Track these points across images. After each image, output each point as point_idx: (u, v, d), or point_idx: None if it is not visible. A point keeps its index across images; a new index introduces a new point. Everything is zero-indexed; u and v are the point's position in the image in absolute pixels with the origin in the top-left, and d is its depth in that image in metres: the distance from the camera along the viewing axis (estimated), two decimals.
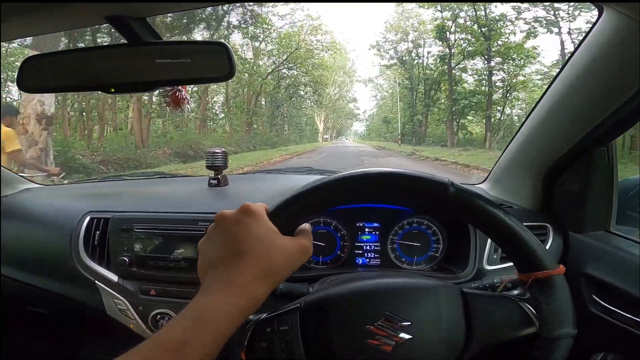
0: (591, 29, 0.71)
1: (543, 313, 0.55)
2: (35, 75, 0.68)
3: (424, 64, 24.47)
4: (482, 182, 1.26)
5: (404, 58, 25.96)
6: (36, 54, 0.68)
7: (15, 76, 0.66)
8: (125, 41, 0.63)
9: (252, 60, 22.17)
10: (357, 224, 1.08)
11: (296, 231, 0.55)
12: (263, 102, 23.69)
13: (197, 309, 0.42)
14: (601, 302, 0.84)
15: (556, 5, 15.30)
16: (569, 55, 0.78)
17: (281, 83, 24.55)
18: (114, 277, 1.02)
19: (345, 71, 39.64)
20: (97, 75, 0.68)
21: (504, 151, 1.10)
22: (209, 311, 0.42)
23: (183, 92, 0.85)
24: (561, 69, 0.81)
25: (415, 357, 0.53)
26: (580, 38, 0.75)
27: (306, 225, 0.57)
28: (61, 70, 0.69)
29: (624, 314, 0.78)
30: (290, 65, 24.49)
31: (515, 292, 0.60)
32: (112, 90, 0.68)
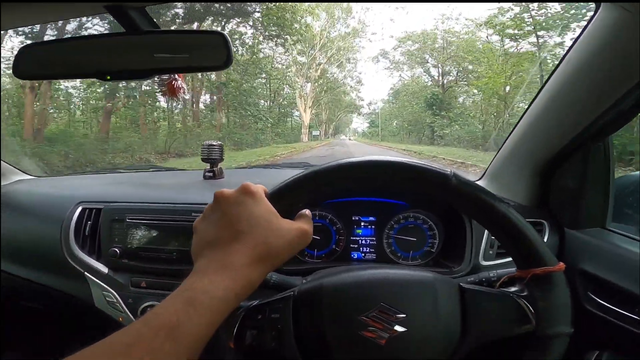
0: (588, 23, 0.71)
1: (540, 310, 0.54)
2: (31, 63, 0.68)
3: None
4: (479, 179, 1.26)
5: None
6: (33, 42, 0.68)
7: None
8: (124, 30, 0.64)
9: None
10: (353, 218, 1.07)
11: (296, 215, 0.54)
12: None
13: (191, 290, 0.40)
14: (597, 299, 0.83)
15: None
16: (566, 50, 0.78)
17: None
18: (104, 269, 1.01)
19: (348, 32, 30.28)
20: (93, 62, 0.68)
21: (501, 147, 1.10)
22: (203, 293, 0.40)
23: (179, 81, 0.85)
24: (558, 64, 0.81)
25: (410, 350, 0.52)
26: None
27: (306, 211, 0.55)
28: (58, 58, 0.69)
29: (619, 311, 0.78)
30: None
31: (513, 288, 0.59)
32: (108, 77, 0.67)
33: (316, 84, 30.89)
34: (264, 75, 20.82)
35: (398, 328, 0.52)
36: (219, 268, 0.43)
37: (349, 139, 49.75)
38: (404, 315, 0.53)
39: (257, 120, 18.82)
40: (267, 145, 17.69)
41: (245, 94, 17.61)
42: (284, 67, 25.24)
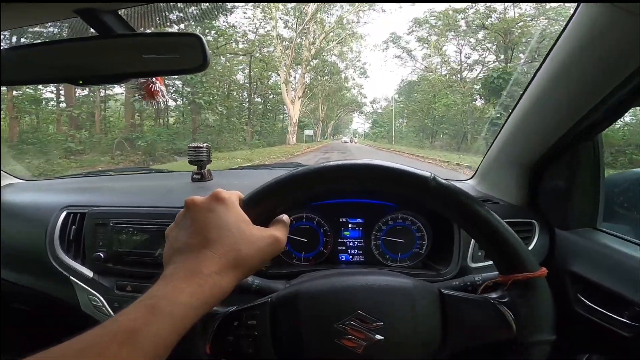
0: (570, 19, 0.69)
1: (521, 317, 0.53)
2: (1, 69, 0.66)
3: None
4: (470, 178, 1.24)
5: None
6: (7, 47, 0.67)
7: None
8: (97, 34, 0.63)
9: None
10: (341, 220, 1.05)
11: (272, 222, 0.54)
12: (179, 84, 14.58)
13: (153, 297, 0.40)
14: (587, 301, 0.82)
15: None
16: (549, 47, 0.76)
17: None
18: (89, 273, 1.00)
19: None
20: (66, 67, 0.67)
21: (490, 146, 1.09)
22: (165, 299, 0.40)
23: (157, 84, 0.84)
24: (542, 62, 0.79)
25: (388, 358, 0.51)
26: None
27: (283, 217, 0.55)
28: (29, 63, 0.67)
29: (609, 314, 0.77)
30: None
31: (495, 294, 0.57)
32: (80, 82, 0.66)
33: (308, 67, 24.39)
34: (241, 57, 17.30)
35: (375, 336, 0.51)
36: (187, 275, 0.42)
37: (352, 142, 41.30)
38: (382, 323, 0.51)
39: (229, 116, 15.65)
40: (233, 150, 14.51)
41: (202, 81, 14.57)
42: (259, 37, 19.76)
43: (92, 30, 0.61)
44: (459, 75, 23.69)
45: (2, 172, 1.33)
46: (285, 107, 23.43)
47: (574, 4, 0.67)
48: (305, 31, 23.05)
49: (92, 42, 0.64)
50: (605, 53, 0.67)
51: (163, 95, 0.85)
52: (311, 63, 24.45)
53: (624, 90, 0.70)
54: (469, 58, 23.48)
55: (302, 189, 0.55)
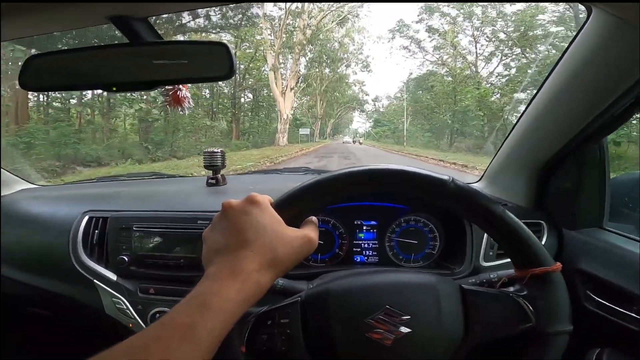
0: (581, 28, 0.72)
1: (539, 309, 0.56)
2: (37, 74, 0.68)
3: None
4: (477, 181, 1.27)
5: None
6: (39, 52, 0.68)
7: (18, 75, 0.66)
8: (127, 40, 0.65)
9: None
10: (355, 222, 1.09)
11: (303, 223, 0.56)
12: None
13: (203, 294, 0.42)
14: (596, 297, 0.85)
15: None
16: (561, 54, 0.80)
17: None
18: (113, 276, 1.02)
19: None
20: (98, 74, 0.69)
21: (498, 149, 1.12)
22: (215, 295, 0.42)
23: (184, 91, 0.86)
24: (553, 68, 0.83)
25: (415, 350, 0.54)
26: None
27: (313, 218, 0.58)
28: (63, 69, 0.69)
29: (618, 309, 0.80)
30: None
31: (513, 288, 0.61)
32: (114, 89, 0.69)
33: (302, 52, 20.38)
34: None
35: (403, 329, 0.54)
36: (229, 273, 0.44)
37: (354, 142, 36.46)
38: (409, 317, 0.55)
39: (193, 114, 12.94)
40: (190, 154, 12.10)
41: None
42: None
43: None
44: (485, 65, 20.67)
45: (17, 177, 1.35)
46: (275, 100, 19.72)
47: (584, 14, 0.71)
48: (299, 10, 19.34)
49: (124, 49, 0.66)
50: (612, 62, 0.71)
51: (189, 102, 0.88)
52: (306, 49, 20.59)
53: (630, 96, 0.74)
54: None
55: (329, 193, 0.58)
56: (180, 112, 0.93)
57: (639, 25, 0.61)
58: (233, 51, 0.67)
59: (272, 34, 19.50)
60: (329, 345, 0.55)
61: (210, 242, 0.50)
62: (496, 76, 20.19)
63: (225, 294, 0.42)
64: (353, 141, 37.23)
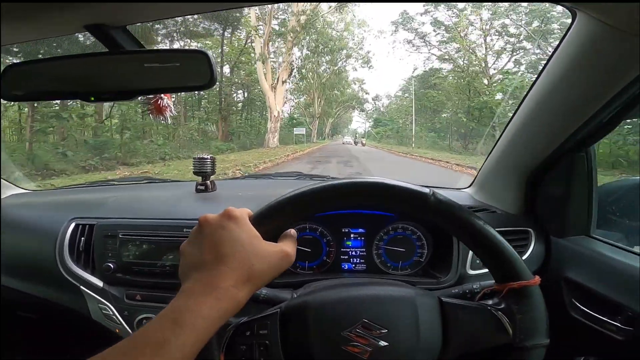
0: (566, 33, 0.72)
1: (517, 323, 0.55)
2: (14, 84, 0.67)
3: None
4: (467, 187, 1.27)
5: None
6: (16, 62, 0.68)
7: None
8: (106, 49, 0.64)
9: None
10: (343, 230, 1.08)
11: (281, 236, 0.56)
12: None
13: (177, 311, 0.42)
14: (581, 306, 0.85)
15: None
16: (547, 60, 0.79)
17: None
18: (99, 283, 1.02)
19: None
20: (77, 83, 0.68)
21: (488, 156, 1.11)
22: (188, 312, 0.42)
23: (165, 100, 0.85)
24: (539, 74, 0.82)
25: None
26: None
27: (291, 231, 0.57)
28: (41, 79, 0.68)
29: (603, 318, 0.80)
30: None
31: (491, 301, 0.60)
32: (92, 98, 0.68)
33: (296, 40, 18.23)
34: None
35: (380, 343, 0.54)
36: (205, 289, 0.44)
37: (356, 143, 33.52)
38: (386, 330, 0.55)
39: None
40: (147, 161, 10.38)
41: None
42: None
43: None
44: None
45: (8, 183, 1.35)
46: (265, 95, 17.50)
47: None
48: None
49: (102, 57, 0.65)
50: (597, 68, 0.70)
51: (171, 111, 0.87)
52: (300, 37, 18.29)
53: (615, 104, 0.73)
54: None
55: (310, 207, 0.58)
56: (162, 121, 0.92)
57: (624, 29, 0.60)
58: (214, 59, 0.66)
59: (261, 20, 17.49)
60: (306, 357, 0.55)
61: (186, 256, 0.50)
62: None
63: (198, 310, 0.42)
64: (355, 142, 34.29)
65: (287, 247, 0.53)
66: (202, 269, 0.46)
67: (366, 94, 33.77)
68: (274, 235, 0.55)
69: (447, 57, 21.34)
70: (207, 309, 0.43)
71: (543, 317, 0.56)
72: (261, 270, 0.48)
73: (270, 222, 0.56)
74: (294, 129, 23.98)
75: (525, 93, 0.89)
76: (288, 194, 0.57)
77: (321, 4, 18.50)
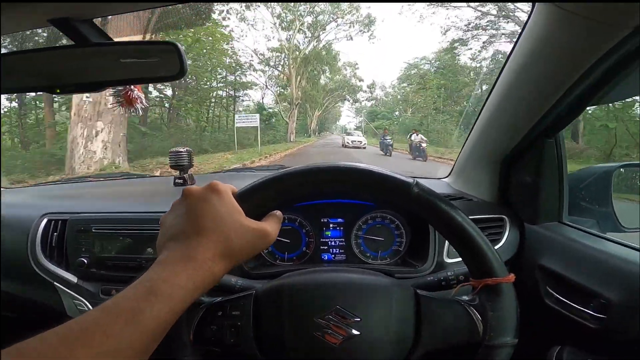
0: (527, 20, 0.72)
1: (488, 320, 0.55)
2: None
3: None
4: (447, 176, 1.28)
5: None
6: None
7: None
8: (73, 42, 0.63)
9: None
10: (322, 220, 1.08)
11: (266, 216, 0.55)
12: None
13: (152, 280, 0.41)
14: (555, 294, 0.85)
15: None
16: (512, 47, 0.80)
17: None
18: (73, 279, 1.01)
19: None
20: (42, 76, 0.67)
21: (464, 144, 1.12)
22: (163, 282, 0.41)
23: (136, 91, 0.84)
24: (505, 62, 0.83)
25: (362, 353, 0.54)
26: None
27: (277, 212, 0.57)
28: (4, 72, 0.67)
29: (575, 306, 0.79)
30: None
31: (466, 297, 0.60)
32: (58, 91, 0.67)
33: None
34: None
35: (352, 331, 0.54)
36: (181, 259, 0.44)
37: (355, 142, 19.62)
38: (359, 319, 0.55)
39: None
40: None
41: None
42: None
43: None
44: None
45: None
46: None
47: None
48: None
49: (69, 50, 0.64)
50: (559, 54, 0.70)
51: (142, 102, 0.86)
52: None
53: (578, 89, 0.74)
54: None
55: (293, 187, 0.57)
56: (133, 113, 0.91)
57: (582, 14, 0.60)
58: (183, 50, 0.65)
59: None
60: (278, 340, 0.55)
61: (166, 226, 0.49)
62: None
63: (174, 280, 0.41)
64: (353, 142, 20.12)
65: (269, 226, 0.53)
66: (180, 240, 0.46)
67: (360, 80, 28.39)
68: (258, 214, 0.54)
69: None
70: (183, 279, 0.42)
71: (513, 315, 0.56)
72: (239, 246, 0.48)
73: (254, 199, 0.55)
74: (236, 116, 15.28)
75: (495, 79, 0.90)
76: (273, 174, 0.57)
77: None
